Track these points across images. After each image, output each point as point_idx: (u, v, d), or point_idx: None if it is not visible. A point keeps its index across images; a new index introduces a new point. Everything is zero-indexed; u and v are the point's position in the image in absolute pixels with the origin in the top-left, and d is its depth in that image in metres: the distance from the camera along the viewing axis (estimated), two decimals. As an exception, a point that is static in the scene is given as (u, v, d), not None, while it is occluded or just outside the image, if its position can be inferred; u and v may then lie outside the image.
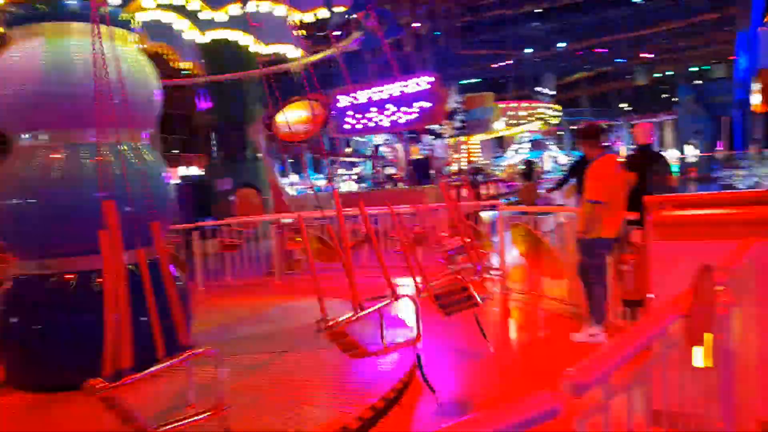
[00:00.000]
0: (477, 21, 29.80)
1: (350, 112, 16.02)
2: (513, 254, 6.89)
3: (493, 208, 8.28)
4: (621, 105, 50.29)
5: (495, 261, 7.22)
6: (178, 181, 16.00)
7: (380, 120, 15.46)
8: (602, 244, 4.73)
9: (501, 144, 33.32)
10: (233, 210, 10.83)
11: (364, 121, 15.73)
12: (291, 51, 6.29)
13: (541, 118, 22.61)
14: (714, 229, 3.04)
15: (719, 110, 26.45)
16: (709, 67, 42.63)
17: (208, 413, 2.79)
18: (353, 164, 32.65)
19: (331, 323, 3.16)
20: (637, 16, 32.77)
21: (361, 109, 15.82)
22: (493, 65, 39.85)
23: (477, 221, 8.74)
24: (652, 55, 39.07)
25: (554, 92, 40.62)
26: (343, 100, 16.14)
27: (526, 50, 36.67)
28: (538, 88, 40.21)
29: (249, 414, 3.39)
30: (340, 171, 32.55)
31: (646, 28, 33.47)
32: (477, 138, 23.25)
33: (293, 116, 10.77)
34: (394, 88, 15.07)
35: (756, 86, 10.97)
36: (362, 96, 15.75)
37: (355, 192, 18.78)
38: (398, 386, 3.79)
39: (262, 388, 3.86)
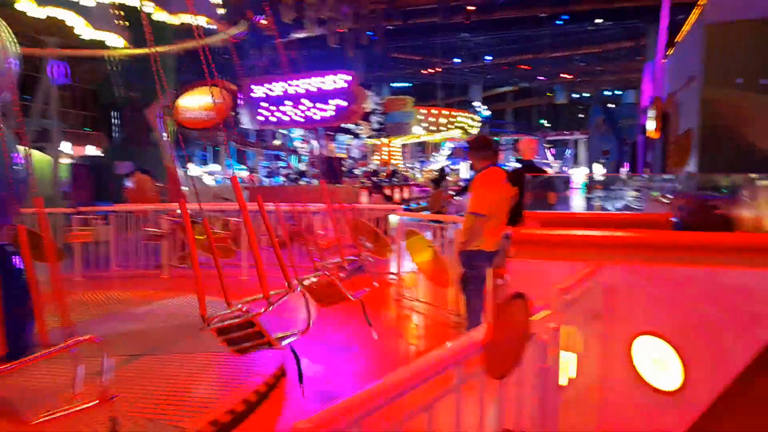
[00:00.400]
0: (408, 26, 30.08)
1: (264, 104, 15.54)
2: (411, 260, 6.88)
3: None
4: (541, 121, 52.54)
5: (393, 266, 7.21)
6: (71, 161, 14.89)
7: (295, 114, 15.09)
8: (482, 256, 4.73)
9: (425, 149, 33.84)
10: (127, 196, 10.17)
11: (279, 114, 15.30)
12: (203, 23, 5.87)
13: (460, 127, 23.06)
14: (569, 250, 3.06)
15: (626, 133, 28.18)
16: (622, 93, 45.40)
17: (94, 402, 2.65)
18: (278, 157, 32.00)
19: (216, 318, 3.05)
20: (558, 38, 34.30)
21: (276, 101, 15.38)
22: (422, 71, 40.45)
23: (380, 225, 8.67)
24: (571, 76, 41.10)
25: (479, 103, 41.76)
26: (258, 91, 15.62)
27: (455, 60, 37.47)
28: (465, 98, 41.20)
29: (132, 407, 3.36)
30: (264, 164, 31.79)
31: (566, 49, 35.14)
32: (399, 141, 23.39)
33: (194, 102, 10.28)
34: (311, 83, 14.77)
35: (651, 113, 11.70)
36: (277, 88, 15.31)
37: (263, 186, 18.20)
38: (270, 381, 3.92)
39: (139, 383, 3.81)
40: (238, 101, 14.04)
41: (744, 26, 14.92)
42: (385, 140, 22.07)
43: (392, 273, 7.17)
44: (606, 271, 2.89)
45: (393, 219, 9.46)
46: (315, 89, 14.79)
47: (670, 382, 2.80)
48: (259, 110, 15.62)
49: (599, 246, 3.01)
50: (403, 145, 24.52)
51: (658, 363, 2.86)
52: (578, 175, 37.28)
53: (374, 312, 5.50)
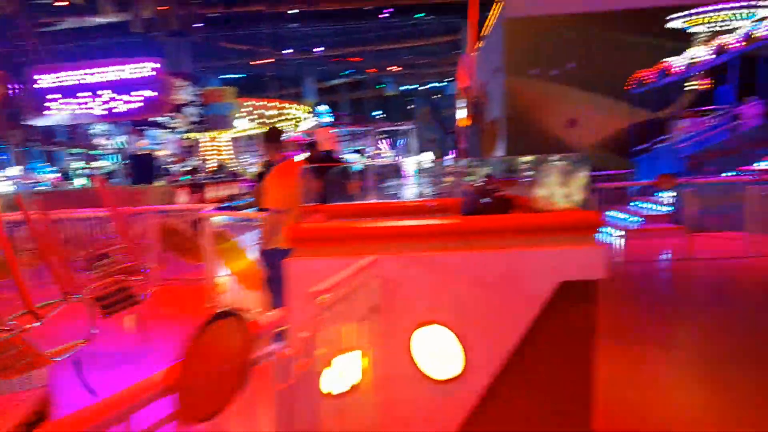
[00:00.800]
0: (233, 14, 28.74)
1: (55, 95, 13.59)
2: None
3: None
4: (375, 112, 54.14)
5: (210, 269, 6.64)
6: None
7: (94, 106, 13.42)
8: (282, 254, 4.44)
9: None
10: None
11: (74, 106, 13.48)
12: None
13: (291, 119, 22.61)
14: (349, 244, 2.88)
15: (449, 123, 30.10)
16: (446, 84, 48.35)
17: None
18: (92, 157, 28.70)
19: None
20: (384, 31, 35.35)
21: (69, 92, 13.53)
22: (252, 62, 39.14)
23: (197, 227, 7.97)
24: (399, 69, 42.75)
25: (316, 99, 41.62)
26: (44, 80, 13.60)
27: (285, 51, 36.81)
28: (299, 90, 40.73)
29: None
30: (75, 165, 28.35)
31: (392, 42, 36.36)
32: (227, 135, 22.26)
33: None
34: (109, 72, 13.23)
35: (461, 103, 12.48)
36: (70, 78, 13.47)
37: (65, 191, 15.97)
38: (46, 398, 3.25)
39: None
40: (10, 92, 12.06)
41: (538, 21, 16.67)
42: (212, 134, 20.83)
43: (205, 277, 6.61)
44: (385, 262, 2.76)
45: (215, 220, 8.82)
46: (116, 78, 13.26)
47: (450, 371, 2.77)
48: (48, 102, 13.61)
49: (378, 237, 2.87)
50: (234, 139, 23.42)
51: (440, 352, 2.81)
52: (410, 164, 39.08)
53: (181, 320, 5.07)
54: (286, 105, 23.39)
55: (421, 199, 4.61)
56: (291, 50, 37.77)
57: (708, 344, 4.69)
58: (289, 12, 28.74)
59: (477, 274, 2.79)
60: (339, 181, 5.20)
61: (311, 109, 26.95)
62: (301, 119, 23.49)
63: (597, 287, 2.84)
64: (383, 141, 50.55)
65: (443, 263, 2.81)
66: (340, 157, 6.59)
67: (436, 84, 48.78)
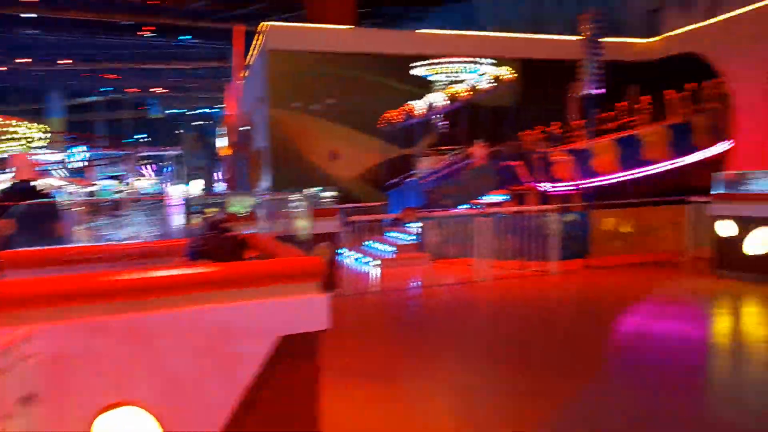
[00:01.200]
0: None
1: None
2: None
3: None
4: (139, 136, 49.88)
5: None
6: None
7: None
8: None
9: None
10: None
11: None
12: None
13: (20, 138, 19.22)
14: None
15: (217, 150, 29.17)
16: (218, 110, 46.91)
17: None
18: None
19: None
20: (147, 49, 32.89)
21: None
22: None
23: None
24: (165, 91, 40.17)
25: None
26: None
27: (20, 60, 31.78)
28: (41, 106, 35.42)
29: None
30: None
31: (156, 62, 34.00)
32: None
33: None
34: None
35: (221, 131, 12.05)
36: None
37: None
38: None
39: None
40: None
41: (299, 56, 17.12)
42: None
43: None
44: (48, 333, 2.21)
45: None
46: None
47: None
48: None
49: (41, 298, 2.28)
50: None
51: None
52: (176, 192, 36.65)
53: None
54: (13, 122, 19.80)
55: (143, 241, 4.05)
56: (29, 59, 32.73)
57: (458, 371, 5.01)
58: (24, 15, 24.84)
59: (181, 336, 2.43)
60: (42, 218, 4.33)
61: (48, 129, 23.42)
62: (33, 139, 20.16)
63: (319, 339, 2.72)
64: (147, 167, 46.76)
65: (135, 327, 2.37)
66: (44, 188, 5.58)
67: (207, 110, 47.05)
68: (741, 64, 15.92)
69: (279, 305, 2.62)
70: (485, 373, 4.83)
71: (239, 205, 8.60)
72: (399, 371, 4.87)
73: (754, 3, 16.27)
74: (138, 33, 29.54)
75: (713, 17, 17.86)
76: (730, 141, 13.40)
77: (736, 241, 8.34)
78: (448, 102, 13.29)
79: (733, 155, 13.82)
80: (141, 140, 48.14)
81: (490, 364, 5.08)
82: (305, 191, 13.80)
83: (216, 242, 3.64)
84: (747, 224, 8.20)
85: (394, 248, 11.26)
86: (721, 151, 13.25)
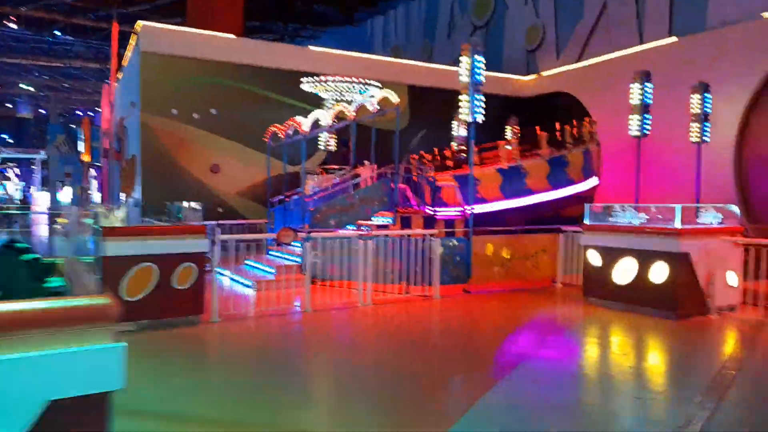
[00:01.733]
0: None
1: None
2: None
3: None
4: (3, 135, 45.06)
5: None
6: None
7: None
8: None
9: None
10: None
11: None
12: None
13: None
14: None
15: (94, 156, 26.67)
16: (94, 114, 43.42)
17: None
18: None
19: None
20: (14, 42, 29.68)
21: None
22: None
23: None
24: (33, 89, 36.53)
25: None
26: None
27: None
28: None
29: None
30: None
31: (22, 57, 30.74)
32: None
33: None
34: None
35: (81, 135, 10.76)
36: None
37: None
38: None
39: None
40: None
41: (176, 61, 16.00)
42: None
43: None
44: None
45: None
46: None
47: None
48: None
49: None
50: None
51: None
52: (42, 200, 32.97)
53: None
54: None
55: None
56: None
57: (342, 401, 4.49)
58: None
59: None
60: None
61: None
62: None
63: (109, 401, 2.09)
64: (11, 170, 42.39)
65: None
66: None
67: (85, 112, 43.38)
68: (603, 105, 17.27)
69: (51, 360, 1.96)
70: (342, 414, 4.37)
71: (111, 217, 7.57)
72: (248, 414, 4.27)
73: (615, 52, 17.78)
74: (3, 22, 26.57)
75: (581, 60, 19.31)
76: (598, 176, 14.32)
77: (603, 270, 8.66)
78: (336, 120, 12.95)
79: (601, 190, 14.78)
80: (7, 140, 43.48)
81: (350, 401, 4.63)
82: (171, 204, 12.76)
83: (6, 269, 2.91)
84: (612, 254, 8.55)
85: (274, 269, 10.58)
86: (592, 186, 14.10)
